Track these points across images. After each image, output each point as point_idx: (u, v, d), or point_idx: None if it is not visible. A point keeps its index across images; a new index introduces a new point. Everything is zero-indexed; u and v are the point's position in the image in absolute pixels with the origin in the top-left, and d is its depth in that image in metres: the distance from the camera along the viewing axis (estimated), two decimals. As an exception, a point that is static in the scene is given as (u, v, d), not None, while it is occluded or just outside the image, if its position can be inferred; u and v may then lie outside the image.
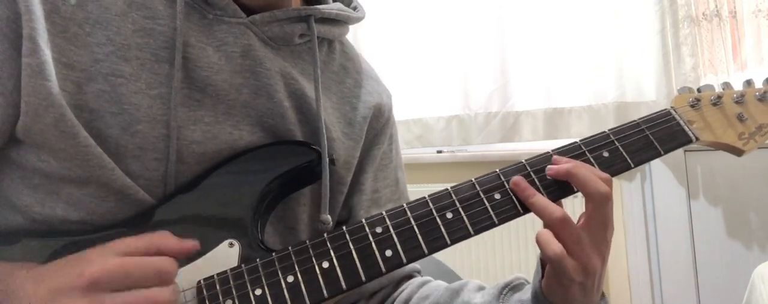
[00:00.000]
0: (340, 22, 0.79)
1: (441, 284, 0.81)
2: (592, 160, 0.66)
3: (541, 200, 0.64)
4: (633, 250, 2.12)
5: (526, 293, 0.70)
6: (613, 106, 2.06)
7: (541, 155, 0.68)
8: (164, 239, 0.60)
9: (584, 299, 0.65)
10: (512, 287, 0.74)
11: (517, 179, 0.65)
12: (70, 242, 0.63)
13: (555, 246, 0.62)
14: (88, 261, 0.55)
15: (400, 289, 0.83)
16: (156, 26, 0.66)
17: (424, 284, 0.82)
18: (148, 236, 0.59)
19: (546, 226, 0.64)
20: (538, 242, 0.63)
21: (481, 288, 0.78)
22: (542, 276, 0.67)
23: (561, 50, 2.12)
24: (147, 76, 0.65)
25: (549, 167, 0.65)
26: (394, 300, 0.82)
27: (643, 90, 2.05)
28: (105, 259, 0.55)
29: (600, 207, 0.62)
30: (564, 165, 0.64)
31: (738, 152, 0.70)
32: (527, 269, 2.16)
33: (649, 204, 2.10)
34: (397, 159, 0.88)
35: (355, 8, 0.82)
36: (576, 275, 0.62)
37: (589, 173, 0.63)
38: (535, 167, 0.66)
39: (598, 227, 0.63)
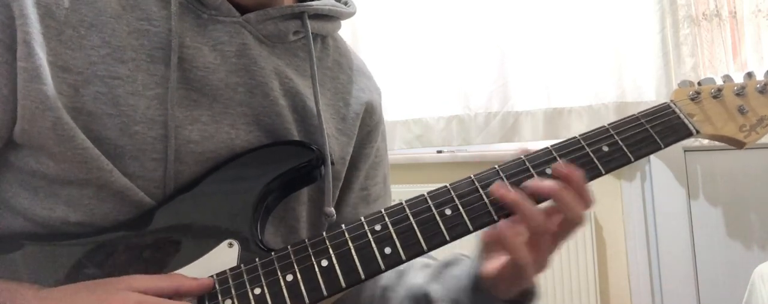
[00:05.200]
0: (332, 17, 0.79)
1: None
2: (591, 154, 0.66)
3: (525, 206, 0.62)
4: (633, 250, 2.12)
5: (462, 268, 0.71)
6: (613, 106, 2.06)
7: (541, 150, 0.67)
8: (181, 278, 0.60)
9: (520, 287, 0.66)
10: (452, 264, 0.75)
11: (493, 187, 0.64)
12: (72, 249, 0.63)
13: (525, 254, 0.62)
14: (106, 296, 0.55)
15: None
16: (151, 27, 0.66)
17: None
18: (167, 277, 0.60)
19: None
20: (509, 246, 0.62)
21: (426, 266, 0.78)
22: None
23: (561, 50, 2.12)
24: (143, 77, 0.65)
25: (535, 184, 0.64)
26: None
27: (643, 90, 2.06)
28: (126, 297, 0.55)
29: (573, 228, 0.64)
30: (549, 188, 0.63)
31: (739, 145, 0.70)
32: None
33: (649, 204, 2.09)
34: (386, 156, 0.88)
35: (346, 3, 0.83)
36: (532, 274, 0.64)
37: (572, 199, 0.63)
38: (534, 163, 0.66)
39: (563, 241, 0.65)
